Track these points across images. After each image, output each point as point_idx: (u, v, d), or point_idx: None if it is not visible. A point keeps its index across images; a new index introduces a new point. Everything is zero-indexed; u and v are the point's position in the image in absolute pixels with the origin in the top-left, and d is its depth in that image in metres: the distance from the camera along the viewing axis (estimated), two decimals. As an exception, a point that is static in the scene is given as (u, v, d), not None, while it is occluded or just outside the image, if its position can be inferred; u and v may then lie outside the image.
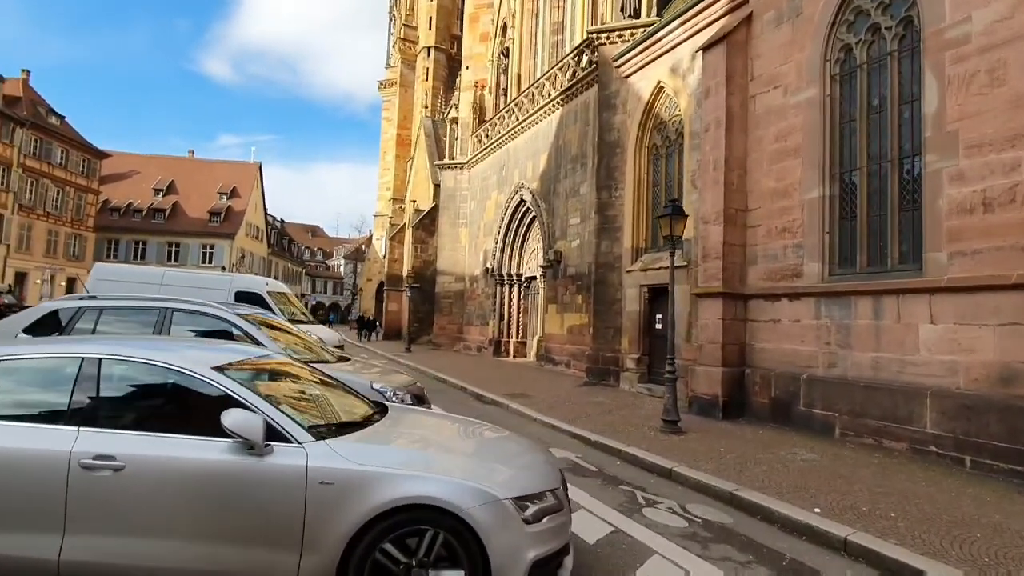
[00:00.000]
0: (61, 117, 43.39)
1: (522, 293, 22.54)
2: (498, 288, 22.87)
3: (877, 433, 7.69)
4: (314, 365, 5.27)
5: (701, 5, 11.36)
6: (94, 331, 6.53)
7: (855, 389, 8.03)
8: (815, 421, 8.52)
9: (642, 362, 13.06)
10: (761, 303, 9.69)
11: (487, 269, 23.79)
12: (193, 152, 63.41)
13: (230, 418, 3.00)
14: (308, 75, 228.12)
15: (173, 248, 50.83)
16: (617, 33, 14.55)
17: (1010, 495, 5.73)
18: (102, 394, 3.26)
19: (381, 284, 41.82)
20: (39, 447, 3.07)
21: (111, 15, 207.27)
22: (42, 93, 43.92)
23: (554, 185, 18.93)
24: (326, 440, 3.21)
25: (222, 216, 52.68)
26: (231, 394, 3.22)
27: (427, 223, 30.55)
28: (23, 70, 41.62)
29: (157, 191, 53.23)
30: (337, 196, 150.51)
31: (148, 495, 3.04)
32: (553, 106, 19.15)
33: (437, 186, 29.13)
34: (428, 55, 38.81)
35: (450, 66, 37.62)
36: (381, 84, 52.31)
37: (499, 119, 23.71)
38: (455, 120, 27.77)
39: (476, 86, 26.69)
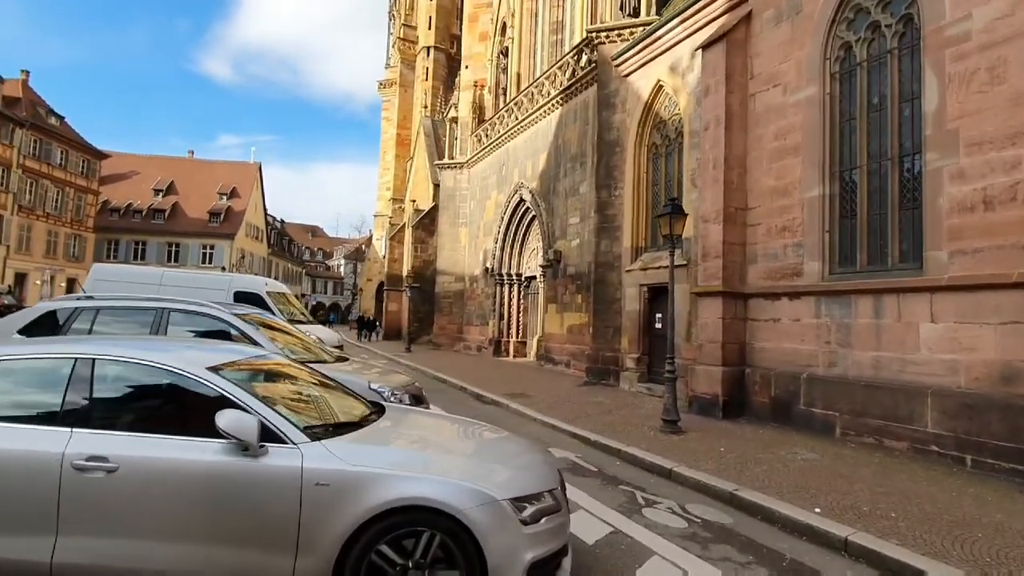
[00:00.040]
0: (61, 118, 43.40)
1: (522, 293, 22.52)
2: (498, 288, 22.85)
3: (878, 432, 7.66)
4: (312, 365, 5.24)
5: (700, 3, 11.32)
6: (90, 331, 6.50)
7: (856, 388, 8.01)
8: (815, 420, 8.49)
9: (642, 361, 13.03)
10: (761, 302, 9.66)
11: (487, 269, 23.77)
12: (193, 152, 63.54)
13: (224, 419, 2.98)
14: (308, 75, 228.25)
15: (173, 249, 50.82)
16: (616, 32, 14.53)
17: (1011, 494, 5.70)
18: (95, 395, 3.24)
19: (381, 284, 41.82)
20: (31, 448, 3.05)
21: (111, 15, 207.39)
22: (42, 94, 44.08)
23: (554, 184, 18.91)
24: (322, 441, 3.19)
25: (222, 216, 52.67)
26: (225, 394, 3.19)
27: (427, 223, 30.54)
28: (22, 71, 41.73)
29: (157, 191, 53.22)
30: (337, 196, 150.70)
31: (141, 497, 3.02)
32: (552, 105, 19.12)
33: (437, 186, 29.10)
34: (428, 55, 38.82)
35: (450, 66, 37.63)
36: (381, 84, 52.33)
37: (498, 118, 23.69)
38: (455, 120, 27.75)
39: (476, 86, 26.68)
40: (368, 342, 33.39)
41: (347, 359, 8.15)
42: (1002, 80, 6.63)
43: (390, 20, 53.23)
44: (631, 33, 14.15)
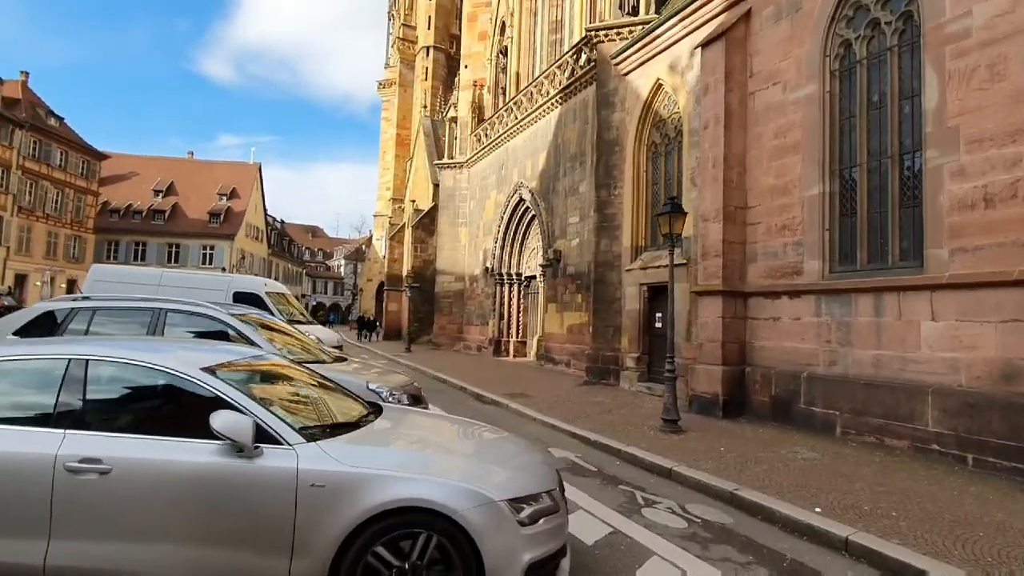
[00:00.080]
0: (60, 119, 43.39)
1: (522, 292, 22.50)
2: (498, 287, 22.82)
3: (878, 431, 7.63)
4: (310, 366, 5.21)
5: (700, 2, 11.29)
6: (87, 332, 6.48)
7: (856, 387, 7.98)
8: (816, 419, 8.46)
9: (642, 361, 13.00)
10: (761, 301, 9.63)
11: (487, 268, 23.74)
12: (193, 153, 63.70)
13: (219, 420, 2.95)
14: (308, 75, 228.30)
15: (173, 249, 50.78)
16: (616, 31, 14.51)
17: (1013, 493, 5.67)
18: (89, 396, 3.21)
19: (381, 284, 41.80)
20: (24, 450, 3.02)
21: (111, 15, 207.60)
22: (41, 94, 44.02)
23: (553, 184, 18.88)
24: (317, 442, 3.16)
25: (222, 217, 52.63)
26: (220, 395, 3.16)
27: (427, 223, 30.52)
28: (22, 72, 41.70)
29: (157, 192, 53.16)
30: (337, 196, 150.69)
31: (135, 499, 2.99)
32: (552, 104, 19.09)
33: (436, 186, 29.08)
34: (427, 55, 38.81)
35: (449, 65, 37.61)
36: (380, 84, 52.29)
37: (498, 118, 23.66)
38: (454, 119, 27.72)
39: (475, 85, 26.66)
40: (368, 342, 33.37)
41: (346, 359, 8.12)
42: (1002, 77, 6.60)
43: (389, 20, 53.19)
44: (630, 32, 14.12)
